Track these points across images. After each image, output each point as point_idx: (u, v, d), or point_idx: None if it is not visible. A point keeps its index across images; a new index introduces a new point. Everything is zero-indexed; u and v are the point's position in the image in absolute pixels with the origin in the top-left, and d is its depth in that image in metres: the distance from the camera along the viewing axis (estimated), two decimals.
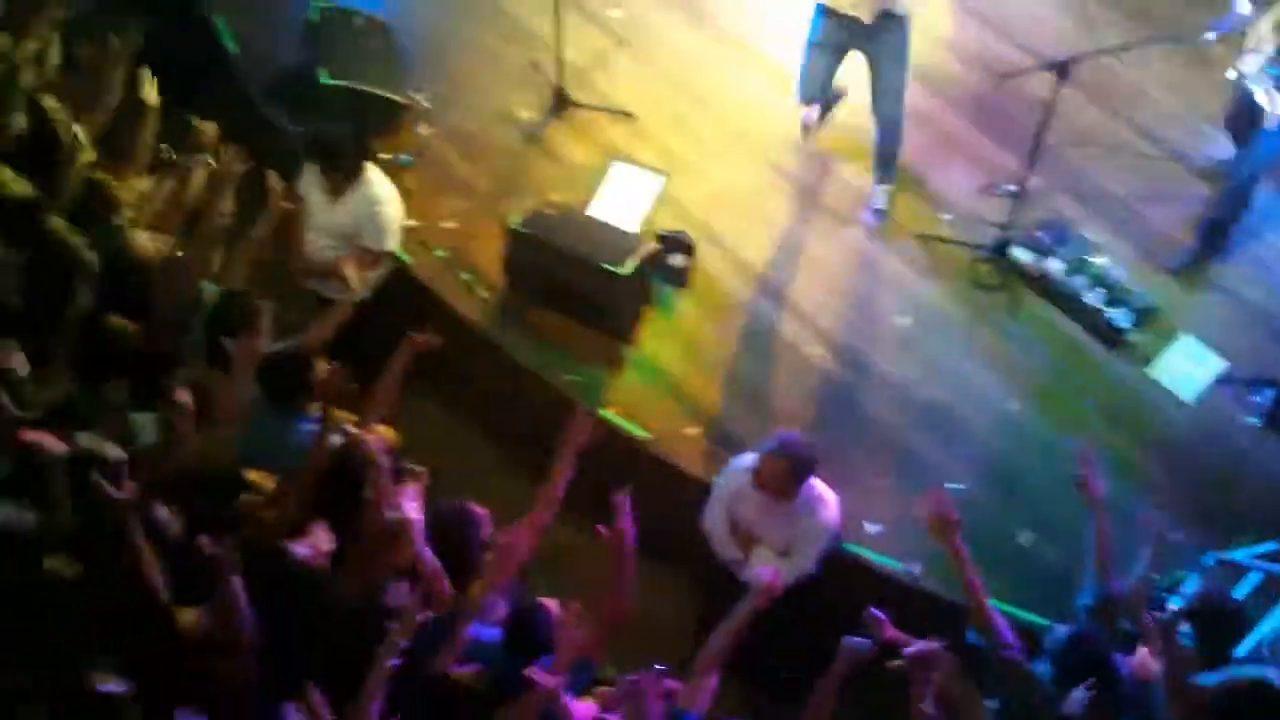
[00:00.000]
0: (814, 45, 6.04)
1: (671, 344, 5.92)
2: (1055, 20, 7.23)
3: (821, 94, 6.26)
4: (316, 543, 4.05)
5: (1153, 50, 6.69)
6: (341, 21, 6.65)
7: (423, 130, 6.62)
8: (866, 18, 5.79)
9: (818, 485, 4.79)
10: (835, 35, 5.94)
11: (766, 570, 4.32)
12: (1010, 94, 6.62)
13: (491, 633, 3.96)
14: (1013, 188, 6.16)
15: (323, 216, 5.56)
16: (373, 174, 5.60)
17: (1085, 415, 5.77)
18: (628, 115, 6.72)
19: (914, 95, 6.81)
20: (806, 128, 6.38)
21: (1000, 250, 6.19)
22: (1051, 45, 6.86)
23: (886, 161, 6.37)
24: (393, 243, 5.63)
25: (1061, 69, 5.66)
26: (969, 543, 4.30)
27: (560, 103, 6.70)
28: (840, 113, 6.57)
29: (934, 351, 5.96)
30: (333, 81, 6.37)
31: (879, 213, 6.42)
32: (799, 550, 4.79)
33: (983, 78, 6.91)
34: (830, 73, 6.14)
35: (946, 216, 6.43)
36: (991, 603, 4.61)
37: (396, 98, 6.56)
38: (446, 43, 7.00)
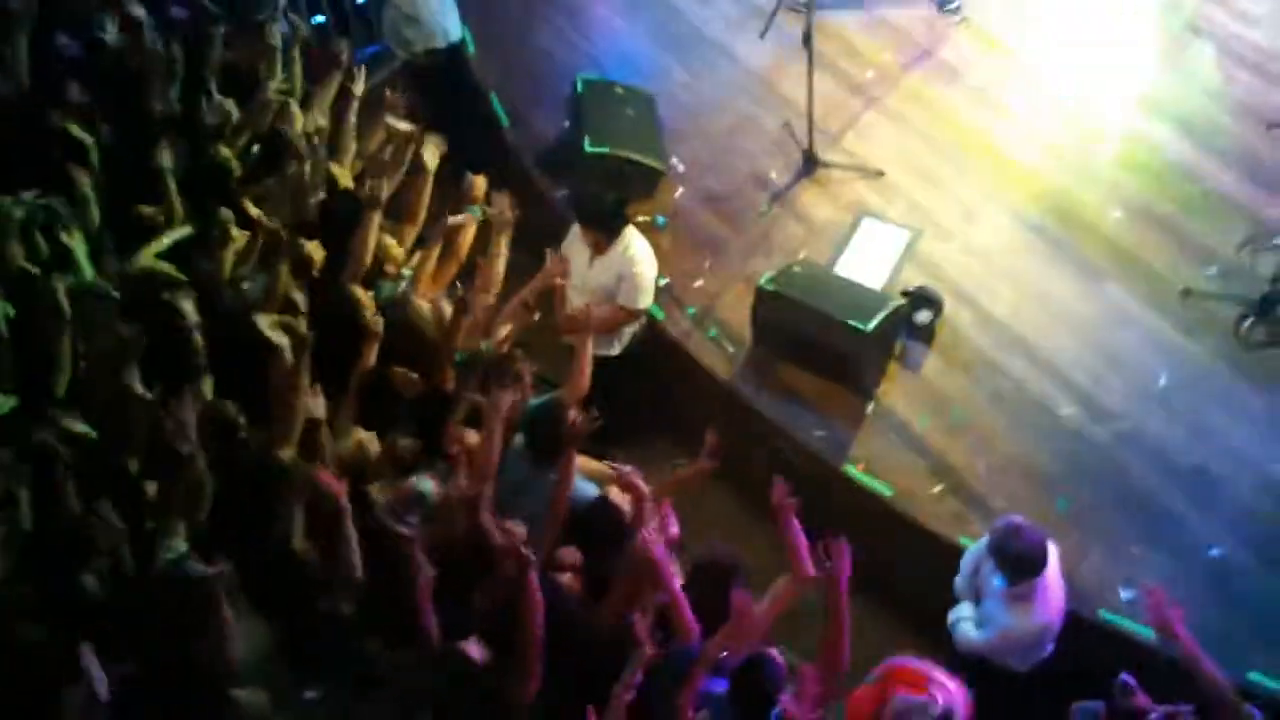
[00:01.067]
0: None
1: (917, 400, 5.93)
2: None
3: None
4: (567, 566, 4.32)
5: None
6: (603, 92, 7.02)
7: (678, 192, 6.91)
8: None
9: (1045, 584, 4.60)
10: None
11: None
12: None
13: (719, 683, 4.08)
14: None
15: (584, 275, 5.88)
16: (631, 235, 5.89)
17: None
18: (877, 173, 6.82)
19: (1179, 148, 6.71)
20: None
21: (1268, 307, 5.94)
22: None
23: None
24: (646, 300, 5.90)
25: None
26: (1230, 609, 4.06)
27: (810, 163, 6.86)
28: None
29: (1195, 411, 5.76)
30: (595, 149, 6.73)
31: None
32: (996, 629, 4.67)
33: (1253, 129, 6.70)
34: None
35: (1210, 270, 6.22)
36: (1255, 676, 4.46)
37: (654, 163, 6.87)
38: (702, 109, 7.29)
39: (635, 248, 5.87)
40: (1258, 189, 6.49)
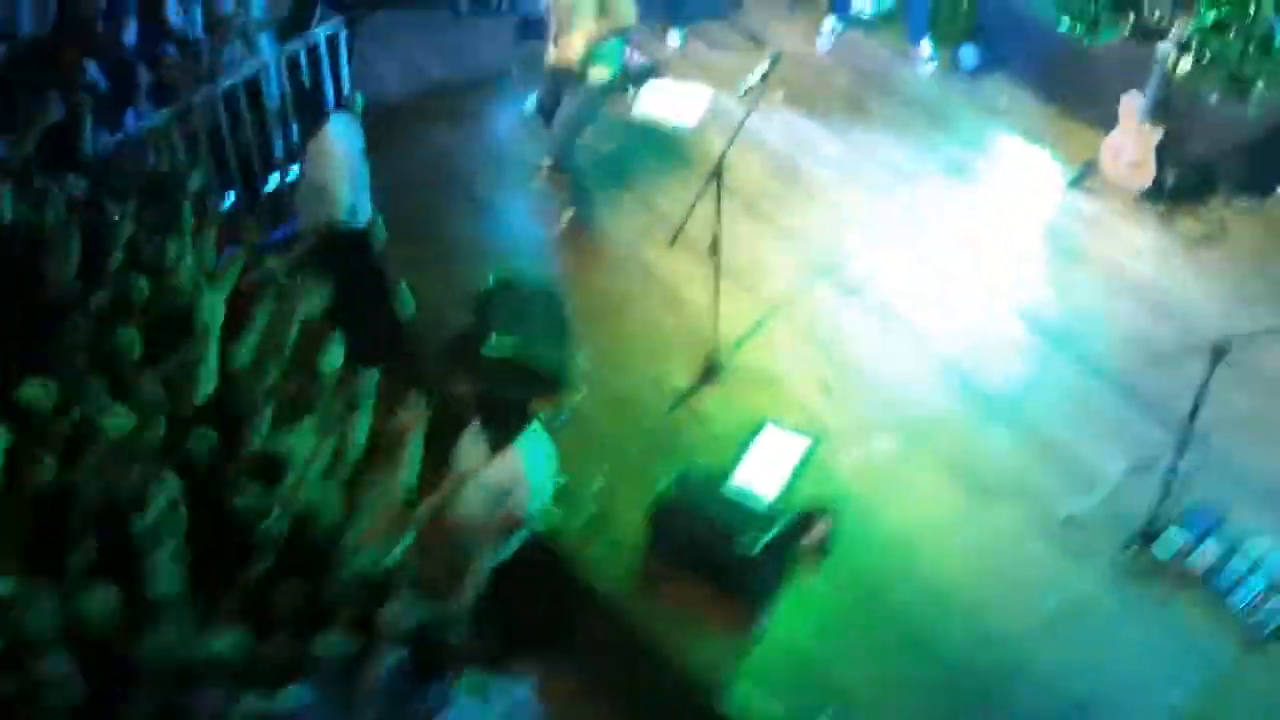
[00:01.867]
0: None
1: (807, 620, 5.89)
2: (1212, 299, 7.31)
3: None
4: None
5: None
6: (512, 288, 7.09)
7: (579, 392, 6.94)
8: None
9: None
10: None
11: None
12: (1164, 374, 6.67)
13: None
14: (1165, 469, 6.08)
15: (480, 474, 5.84)
16: (529, 436, 5.88)
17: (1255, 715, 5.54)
18: (776, 381, 6.94)
19: (1066, 373, 6.94)
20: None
21: (1153, 533, 6.10)
22: (1208, 324, 6.95)
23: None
24: (539, 505, 5.86)
25: (1217, 351, 5.65)
26: None
27: (712, 369, 6.97)
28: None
29: (1080, 640, 5.80)
30: (500, 346, 6.76)
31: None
32: None
33: (1137, 357, 6.96)
34: None
35: (1096, 497, 6.37)
36: None
37: (559, 363, 6.91)
38: (609, 310, 7.40)
39: (531, 450, 5.84)
40: (1140, 415, 6.71)
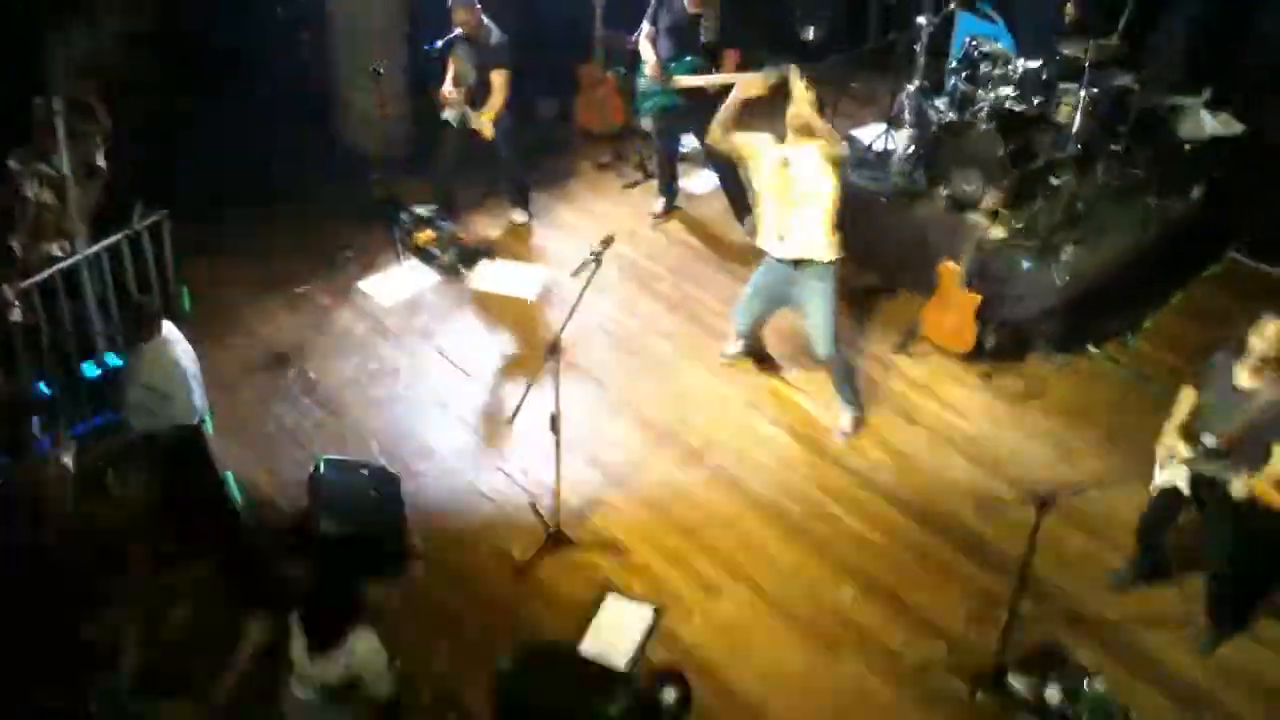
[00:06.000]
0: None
1: None
2: (1037, 453, 7.56)
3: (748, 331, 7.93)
4: None
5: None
6: (345, 471, 6.92)
7: (418, 571, 6.76)
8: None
9: None
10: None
11: None
12: (998, 524, 6.82)
13: None
14: (1005, 615, 6.16)
15: (304, 666, 5.53)
16: (358, 630, 5.60)
17: None
18: (620, 548, 6.87)
19: (904, 527, 7.05)
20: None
21: (997, 679, 6.12)
22: (1035, 476, 7.21)
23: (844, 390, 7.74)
24: (385, 690, 5.58)
25: (1043, 503, 5.79)
26: None
27: (554, 540, 6.87)
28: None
29: None
30: (333, 530, 6.55)
31: (845, 434, 7.72)
32: None
33: (970, 510, 7.11)
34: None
35: (941, 645, 6.40)
36: None
37: (396, 544, 6.73)
38: (447, 486, 7.27)
39: (363, 642, 5.56)
40: (978, 565, 6.83)
